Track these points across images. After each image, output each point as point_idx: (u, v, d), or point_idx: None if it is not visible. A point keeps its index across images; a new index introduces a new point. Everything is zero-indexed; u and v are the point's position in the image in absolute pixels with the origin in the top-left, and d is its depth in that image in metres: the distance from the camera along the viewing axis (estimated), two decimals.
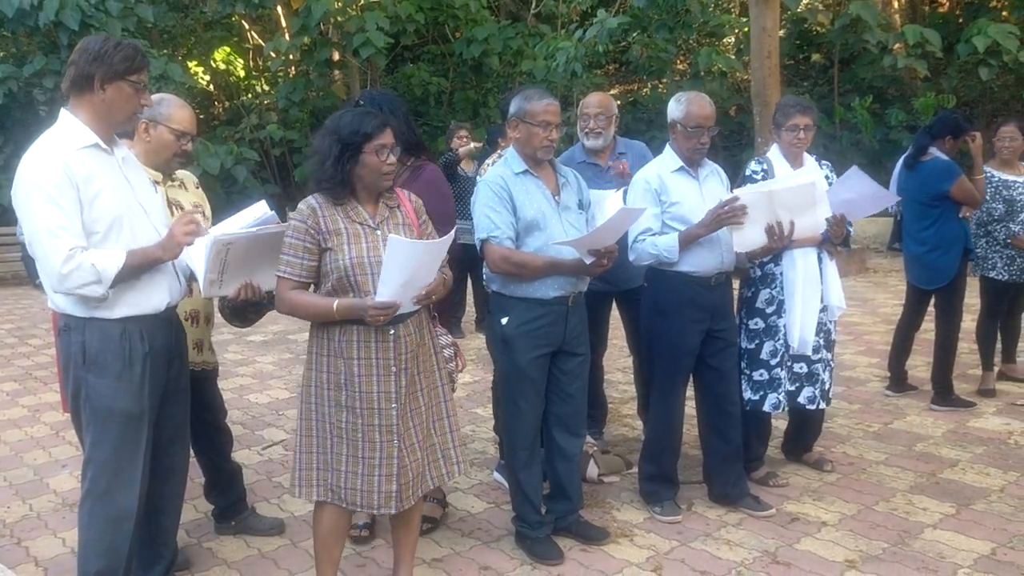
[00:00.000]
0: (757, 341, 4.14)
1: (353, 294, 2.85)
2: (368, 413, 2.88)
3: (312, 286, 2.95)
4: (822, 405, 4.29)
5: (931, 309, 5.64)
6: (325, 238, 2.86)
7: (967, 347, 6.29)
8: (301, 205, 2.91)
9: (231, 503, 3.87)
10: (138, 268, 2.78)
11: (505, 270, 3.44)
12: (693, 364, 3.92)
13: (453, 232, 3.01)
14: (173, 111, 3.34)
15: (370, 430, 2.88)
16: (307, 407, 2.96)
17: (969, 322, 5.97)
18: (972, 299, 5.88)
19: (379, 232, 2.91)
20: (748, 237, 3.77)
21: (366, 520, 3.78)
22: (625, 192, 3.93)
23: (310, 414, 2.95)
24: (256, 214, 3.24)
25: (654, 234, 3.79)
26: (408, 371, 2.95)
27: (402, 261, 2.71)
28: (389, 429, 2.89)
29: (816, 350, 4.14)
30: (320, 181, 2.91)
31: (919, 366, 6.14)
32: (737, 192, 3.75)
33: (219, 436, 3.81)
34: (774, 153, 4.19)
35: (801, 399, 4.20)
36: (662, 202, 3.79)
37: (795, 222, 3.78)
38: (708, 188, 3.89)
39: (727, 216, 3.68)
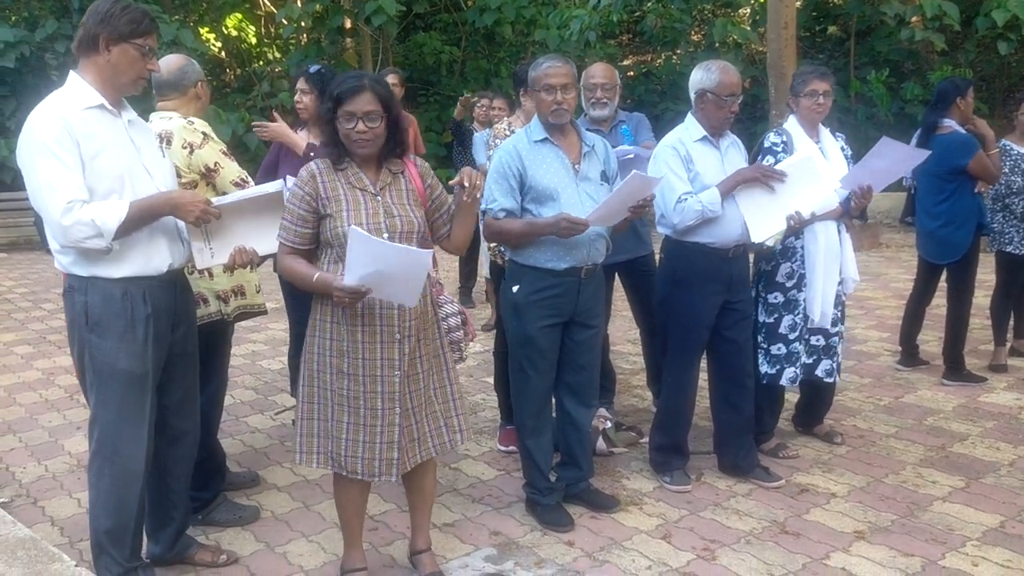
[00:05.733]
0: (776, 315, 4.13)
1: None
2: (371, 380, 2.85)
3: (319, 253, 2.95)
4: (837, 379, 4.31)
5: (944, 284, 5.62)
6: (324, 204, 2.83)
7: (979, 322, 6.27)
8: (302, 171, 2.90)
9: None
10: (142, 220, 2.79)
11: (494, 240, 3.46)
12: (708, 336, 3.91)
13: (430, 252, 2.83)
14: None
15: (372, 397, 2.86)
16: (309, 374, 2.93)
17: (982, 297, 5.95)
18: (985, 275, 5.86)
19: (380, 199, 2.87)
20: (763, 225, 3.75)
21: None
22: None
23: (312, 381, 2.93)
24: (266, 188, 3.24)
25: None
26: (412, 338, 2.91)
27: (364, 251, 2.64)
28: (391, 397, 2.87)
29: (834, 323, 4.15)
30: (329, 145, 2.92)
31: (931, 341, 6.13)
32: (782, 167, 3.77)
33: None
34: (792, 124, 4.15)
35: (819, 372, 4.20)
36: (688, 170, 3.77)
37: (803, 198, 3.76)
38: (729, 158, 3.86)
39: (766, 177, 3.70)
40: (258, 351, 6.61)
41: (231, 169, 3.58)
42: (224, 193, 3.45)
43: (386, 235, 2.81)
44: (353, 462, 2.91)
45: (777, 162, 4.04)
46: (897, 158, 3.95)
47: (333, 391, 2.89)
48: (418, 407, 2.97)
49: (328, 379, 2.89)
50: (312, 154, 3.97)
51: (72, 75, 2.84)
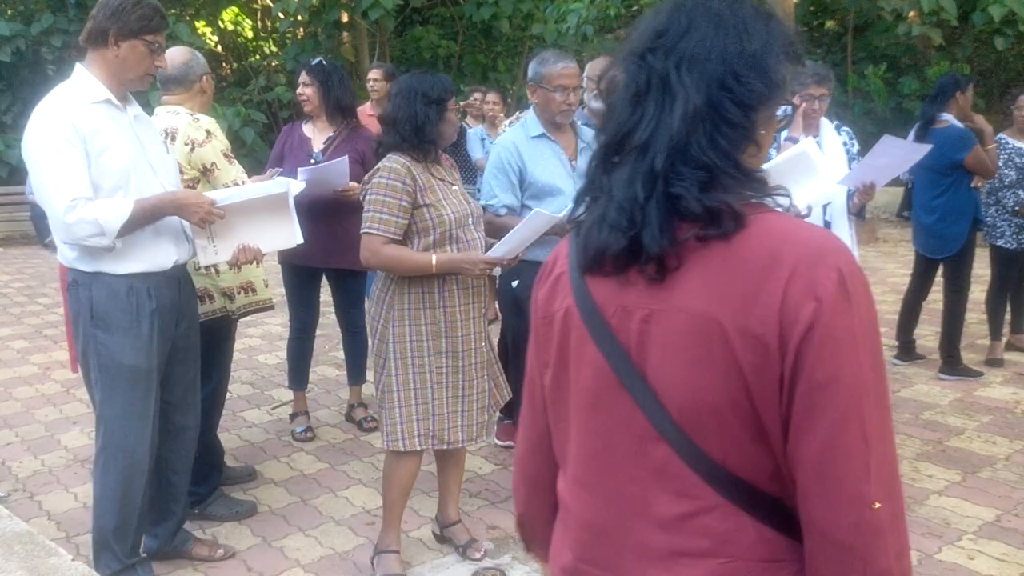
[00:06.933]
0: None
1: (451, 246, 3.00)
2: (467, 354, 3.08)
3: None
4: None
5: (941, 279, 5.63)
6: (423, 194, 2.95)
7: (976, 317, 6.28)
8: (393, 164, 2.95)
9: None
10: (145, 219, 2.78)
11: (495, 236, 3.46)
12: None
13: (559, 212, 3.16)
14: None
15: (468, 369, 3.09)
16: (403, 362, 3.02)
17: (978, 292, 5.95)
18: (982, 269, 5.87)
19: (455, 187, 3.10)
20: None
21: (307, 424, 4.59)
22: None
23: (408, 368, 3.02)
24: (271, 189, 3.22)
25: None
26: (488, 310, 3.24)
27: (534, 228, 2.98)
28: (482, 365, 3.15)
29: None
30: (415, 143, 2.98)
31: (927, 335, 6.14)
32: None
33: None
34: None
35: None
36: None
37: (800, 191, 3.76)
38: None
39: None
40: (255, 346, 6.60)
41: (228, 171, 3.54)
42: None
43: (471, 220, 3.09)
44: (454, 432, 3.09)
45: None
46: (899, 154, 3.95)
47: (431, 372, 3.04)
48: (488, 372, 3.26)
49: (425, 362, 3.03)
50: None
51: (78, 68, 2.81)
